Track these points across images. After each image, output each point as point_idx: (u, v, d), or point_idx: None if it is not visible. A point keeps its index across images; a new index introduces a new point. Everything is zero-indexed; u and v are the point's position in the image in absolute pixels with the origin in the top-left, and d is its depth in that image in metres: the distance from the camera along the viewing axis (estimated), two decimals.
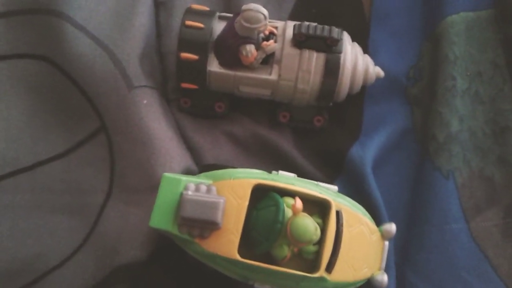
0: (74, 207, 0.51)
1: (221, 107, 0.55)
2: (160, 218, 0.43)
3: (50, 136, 0.53)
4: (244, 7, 0.48)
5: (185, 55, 0.50)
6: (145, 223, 0.43)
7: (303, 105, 0.53)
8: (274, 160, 0.55)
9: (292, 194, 0.44)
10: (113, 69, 0.51)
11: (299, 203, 0.41)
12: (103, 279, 0.49)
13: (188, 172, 0.51)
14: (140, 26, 0.54)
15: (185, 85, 0.53)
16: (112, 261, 0.49)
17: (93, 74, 0.51)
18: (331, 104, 0.53)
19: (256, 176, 0.45)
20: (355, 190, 0.52)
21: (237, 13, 0.50)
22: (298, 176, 0.48)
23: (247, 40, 0.49)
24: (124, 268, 0.49)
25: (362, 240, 0.46)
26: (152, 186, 0.48)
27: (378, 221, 0.50)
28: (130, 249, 0.49)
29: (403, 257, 0.52)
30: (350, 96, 0.54)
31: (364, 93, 0.57)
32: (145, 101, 0.51)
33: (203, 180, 0.45)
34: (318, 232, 0.41)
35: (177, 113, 0.56)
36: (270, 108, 0.56)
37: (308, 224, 0.41)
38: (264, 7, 0.56)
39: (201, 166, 0.53)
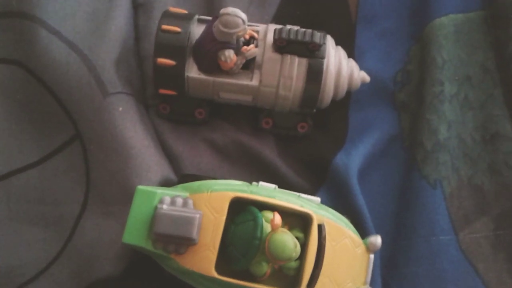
0: (49, 218, 0.50)
1: (201, 114, 0.53)
2: (134, 234, 0.41)
3: (24, 144, 0.51)
4: (221, 11, 0.46)
5: (161, 60, 0.48)
6: (121, 235, 0.41)
7: (286, 111, 0.52)
8: (256, 168, 0.53)
9: (272, 207, 0.42)
10: (88, 75, 0.50)
11: (277, 218, 0.39)
12: None
13: (166, 181, 0.50)
14: (116, 30, 0.52)
15: (163, 91, 0.51)
16: (88, 275, 0.48)
17: (67, 80, 0.50)
18: (314, 110, 0.52)
19: (234, 188, 0.43)
20: (340, 199, 0.51)
21: (215, 16, 0.48)
22: (280, 185, 0.46)
23: (226, 45, 0.47)
24: (100, 282, 0.48)
25: (345, 254, 0.44)
26: (128, 197, 0.46)
27: (364, 233, 0.48)
28: (106, 263, 0.48)
29: (390, 270, 0.50)
30: (334, 102, 0.53)
31: (349, 98, 0.55)
32: (120, 108, 0.50)
33: (179, 192, 0.43)
34: (298, 249, 0.39)
35: (156, 119, 0.54)
36: (252, 114, 0.54)
37: (287, 241, 0.39)
38: (247, 8, 0.55)
39: (180, 175, 0.51)
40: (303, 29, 0.48)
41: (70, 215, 0.50)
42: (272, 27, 0.50)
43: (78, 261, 0.48)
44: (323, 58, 0.49)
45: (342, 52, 0.52)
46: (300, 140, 0.54)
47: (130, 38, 0.54)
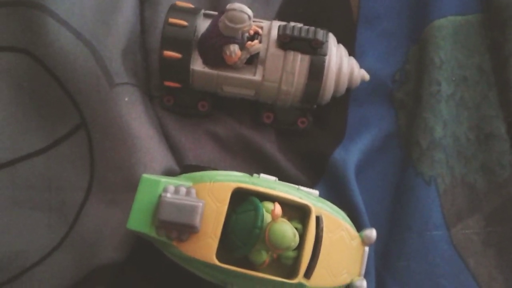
0: (54, 204, 0.51)
1: (205, 106, 0.54)
2: (138, 220, 0.42)
3: (30, 132, 0.52)
4: (228, 6, 0.47)
5: (168, 53, 0.49)
6: (124, 223, 0.42)
7: (287, 106, 0.53)
8: (256, 161, 0.54)
9: (272, 198, 0.44)
10: (95, 65, 0.50)
11: (278, 209, 0.41)
12: (82, 279, 0.49)
13: (169, 172, 0.51)
14: (123, 22, 0.53)
15: (168, 83, 0.52)
16: (91, 261, 0.49)
17: (74, 70, 0.50)
18: (315, 106, 0.53)
19: (236, 179, 0.44)
20: (337, 194, 0.52)
21: (221, 11, 0.49)
22: (280, 178, 0.48)
23: (231, 39, 0.48)
24: (102, 269, 0.48)
25: (342, 245, 0.46)
26: (132, 186, 0.47)
27: (359, 226, 0.49)
28: (109, 250, 0.48)
29: (384, 263, 0.52)
30: (334, 98, 0.54)
31: (349, 96, 0.56)
32: (126, 99, 0.51)
33: (183, 182, 0.44)
34: (297, 238, 0.41)
35: (160, 111, 0.55)
36: (254, 108, 0.55)
37: (287, 230, 0.40)
38: (251, 5, 0.56)
39: (183, 166, 0.52)
40: (307, 27, 0.49)
41: (74, 202, 0.51)
42: (276, 23, 0.51)
43: (81, 247, 0.49)
44: (325, 55, 0.50)
45: (343, 50, 0.53)
46: (300, 135, 0.55)
47: (136, 30, 0.55)
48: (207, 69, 0.50)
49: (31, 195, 0.50)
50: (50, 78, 0.51)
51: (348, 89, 0.54)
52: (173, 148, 0.54)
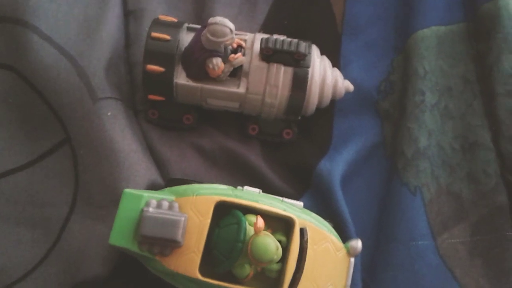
0: (38, 219, 0.51)
1: (189, 119, 0.54)
2: (120, 235, 0.42)
3: (15, 147, 0.52)
4: (210, 20, 0.47)
5: (151, 67, 0.50)
6: (108, 238, 0.42)
7: (272, 118, 0.53)
8: (242, 173, 0.54)
9: (256, 211, 0.44)
10: (78, 81, 0.50)
11: (260, 222, 0.41)
12: None
13: (153, 185, 0.51)
14: (107, 36, 0.53)
15: (152, 97, 0.52)
16: (74, 276, 0.49)
17: (57, 85, 0.50)
18: (299, 117, 0.53)
19: (219, 192, 0.44)
20: (323, 205, 0.52)
21: (204, 25, 0.49)
22: (265, 190, 0.47)
23: (214, 53, 0.48)
24: (86, 284, 0.48)
25: (327, 257, 0.45)
26: (115, 201, 0.47)
27: (346, 238, 0.49)
28: (92, 265, 0.48)
29: (370, 274, 0.51)
30: (319, 110, 0.54)
31: (334, 107, 0.56)
32: (109, 113, 0.51)
33: (166, 196, 0.44)
34: (280, 252, 0.41)
35: (145, 125, 0.55)
36: (239, 121, 0.55)
37: (269, 244, 0.40)
38: (236, 17, 0.56)
39: (168, 180, 0.52)
40: (289, 39, 0.49)
41: (58, 217, 0.50)
42: (259, 36, 0.51)
43: (65, 262, 0.49)
44: (308, 67, 0.50)
45: (327, 62, 0.53)
46: (285, 147, 0.55)
47: (120, 44, 0.55)
48: (190, 83, 0.51)
49: (15, 210, 0.50)
50: (34, 94, 0.51)
51: (333, 100, 0.54)
52: (158, 162, 0.53)
